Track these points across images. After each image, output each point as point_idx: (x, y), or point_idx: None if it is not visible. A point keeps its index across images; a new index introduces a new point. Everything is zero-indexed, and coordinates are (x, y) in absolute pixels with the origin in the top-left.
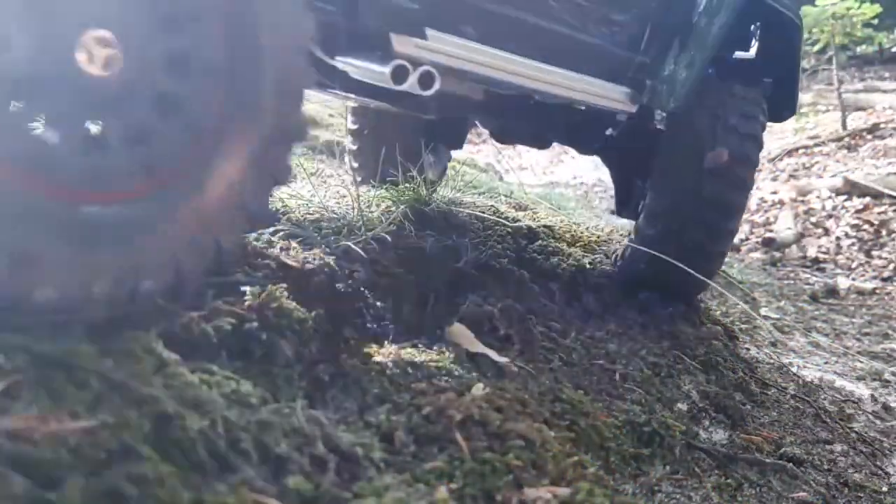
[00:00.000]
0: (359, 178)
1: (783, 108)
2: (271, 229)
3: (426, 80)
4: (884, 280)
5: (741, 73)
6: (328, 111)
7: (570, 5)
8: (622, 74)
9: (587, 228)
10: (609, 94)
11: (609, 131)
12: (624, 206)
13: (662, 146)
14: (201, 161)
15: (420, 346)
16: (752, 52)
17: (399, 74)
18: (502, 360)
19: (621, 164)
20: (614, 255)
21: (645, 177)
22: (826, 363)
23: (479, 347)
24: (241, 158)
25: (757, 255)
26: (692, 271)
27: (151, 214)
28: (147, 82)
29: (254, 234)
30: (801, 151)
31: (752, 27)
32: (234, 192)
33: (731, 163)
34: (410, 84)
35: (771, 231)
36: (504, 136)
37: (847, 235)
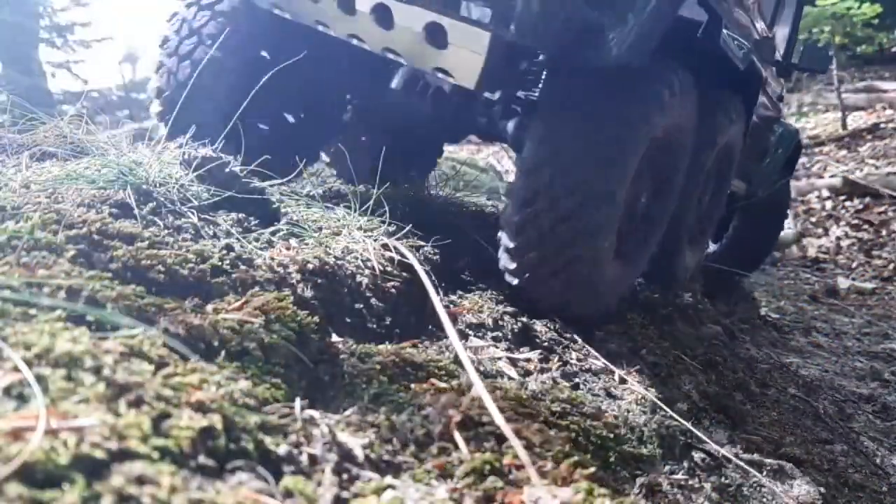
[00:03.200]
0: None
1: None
2: (271, 229)
3: None
4: (884, 280)
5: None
6: None
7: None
8: (745, 178)
9: None
10: (740, 187)
11: None
12: None
13: (742, 204)
14: None
15: (420, 346)
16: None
17: None
18: (502, 357)
19: None
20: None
21: (730, 215)
22: (826, 363)
23: (481, 348)
24: None
25: None
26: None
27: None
28: None
29: (253, 234)
30: (801, 151)
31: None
32: None
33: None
34: None
35: None
36: None
37: (847, 235)
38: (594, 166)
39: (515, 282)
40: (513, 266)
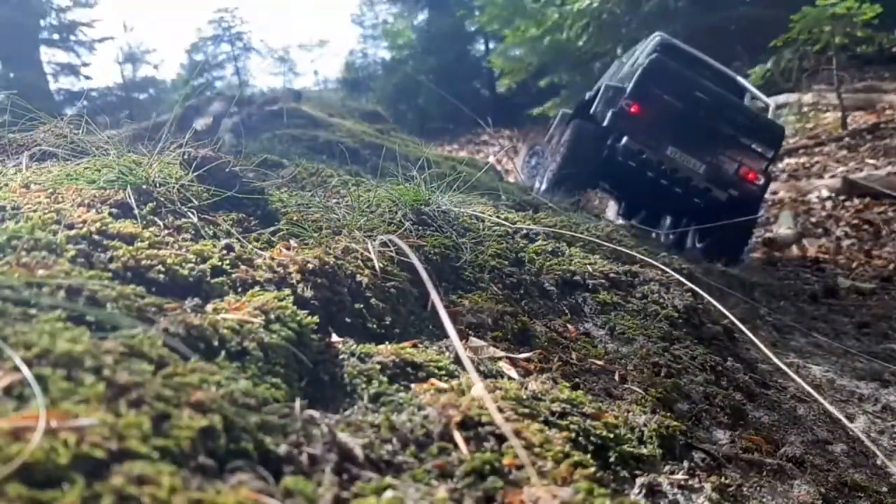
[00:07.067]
0: None
1: None
2: (271, 229)
3: None
4: (884, 280)
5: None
6: (328, 111)
7: None
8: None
9: (586, 229)
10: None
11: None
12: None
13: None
14: None
15: (420, 346)
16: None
17: None
18: (502, 357)
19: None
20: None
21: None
22: (826, 363)
23: (481, 347)
24: None
25: (757, 255)
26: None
27: None
28: None
29: (253, 234)
30: (801, 151)
31: None
32: None
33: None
34: None
35: (771, 231)
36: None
37: (847, 235)
38: (738, 230)
39: (706, 249)
40: (706, 248)
